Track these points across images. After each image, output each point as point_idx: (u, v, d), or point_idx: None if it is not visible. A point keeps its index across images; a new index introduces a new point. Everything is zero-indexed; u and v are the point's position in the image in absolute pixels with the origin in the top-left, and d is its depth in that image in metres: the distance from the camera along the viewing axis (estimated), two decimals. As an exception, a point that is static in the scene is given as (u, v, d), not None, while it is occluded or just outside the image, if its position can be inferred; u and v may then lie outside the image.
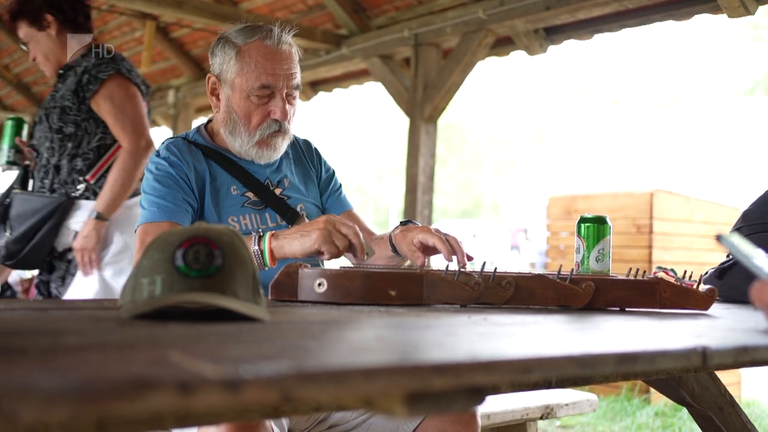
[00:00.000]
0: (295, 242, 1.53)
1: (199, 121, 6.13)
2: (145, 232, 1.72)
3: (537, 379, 0.76)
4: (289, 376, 0.60)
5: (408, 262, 1.77)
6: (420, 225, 1.74)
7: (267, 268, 1.58)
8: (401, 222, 1.82)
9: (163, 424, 0.71)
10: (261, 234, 1.59)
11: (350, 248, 1.52)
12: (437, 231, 1.64)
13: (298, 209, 1.87)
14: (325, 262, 1.93)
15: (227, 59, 1.80)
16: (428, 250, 1.66)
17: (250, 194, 1.83)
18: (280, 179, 1.90)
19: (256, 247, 1.56)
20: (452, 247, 1.59)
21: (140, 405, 0.54)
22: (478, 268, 1.43)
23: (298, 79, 1.83)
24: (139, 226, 1.75)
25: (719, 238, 1.12)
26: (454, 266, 1.45)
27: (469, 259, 1.59)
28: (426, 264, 1.64)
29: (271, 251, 1.56)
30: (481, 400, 0.74)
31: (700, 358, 0.91)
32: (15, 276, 4.75)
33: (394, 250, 1.76)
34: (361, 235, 1.51)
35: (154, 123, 7.70)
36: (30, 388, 0.51)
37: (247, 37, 1.79)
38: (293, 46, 1.84)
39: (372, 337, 0.90)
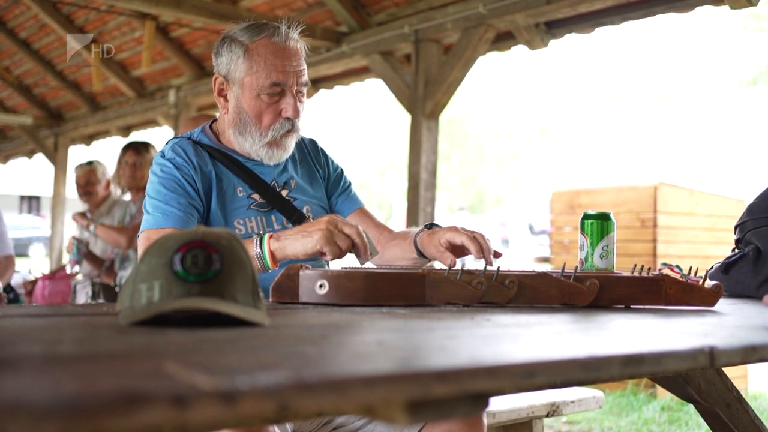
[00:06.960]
0: (297, 243, 1.50)
1: (200, 120, 6.10)
2: (148, 238, 1.67)
3: (541, 383, 0.75)
4: (287, 386, 0.59)
5: (435, 264, 1.74)
6: (444, 226, 1.72)
7: (270, 271, 1.56)
8: (426, 225, 1.79)
9: (161, 433, 0.70)
10: (261, 236, 1.56)
11: (353, 248, 1.49)
12: (463, 229, 1.62)
13: (305, 211, 1.84)
14: (330, 263, 1.91)
15: (235, 58, 1.76)
16: (456, 250, 1.63)
17: (256, 196, 1.80)
18: (287, 180, 1.87)
19: (258, 250, 1.53)
20: (480, 244, 1.57)
21: (133, 420, 0.52)
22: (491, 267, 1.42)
23: (306, 75, 1.80)
24: (142, 232, 1.70)
25: None
26: (481, 264, 1.44)
27: (497, 255, 1.57)
28: (455, 264, 1.62)
29: (272, 253, 1.53)
30: (484, 406, 0.73)
31: (708, 359, 0.89)
32: (18, 278, 4.75)
33: (420, 253, 1.74)
34: (364, 234, 1.49)
35: (156, 123, 7.69)
36: (20, 403, 0.50)
37: (254, 35, 1.76)
38: (300, 42, 1.81)
39: (372, 342, 0.88)
